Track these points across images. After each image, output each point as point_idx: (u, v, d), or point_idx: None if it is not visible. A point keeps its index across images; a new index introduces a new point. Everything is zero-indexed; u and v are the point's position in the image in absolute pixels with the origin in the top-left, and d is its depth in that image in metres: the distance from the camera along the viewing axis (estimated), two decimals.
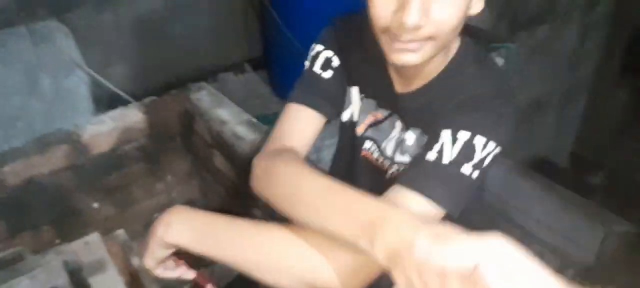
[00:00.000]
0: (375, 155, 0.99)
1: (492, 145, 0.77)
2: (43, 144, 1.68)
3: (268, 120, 2.44)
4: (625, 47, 4.39)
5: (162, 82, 2.74)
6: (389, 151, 0.96)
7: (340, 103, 1.02)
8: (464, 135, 0.77)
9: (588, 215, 1.71)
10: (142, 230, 1.57)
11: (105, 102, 2.59)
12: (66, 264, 1.19)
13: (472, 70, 0.85)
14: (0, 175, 1.62)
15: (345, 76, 1.00)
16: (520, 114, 3.89)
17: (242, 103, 2.51)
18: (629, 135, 4.42)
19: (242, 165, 1.67)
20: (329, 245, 0.72)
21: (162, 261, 0.88)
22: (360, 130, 1.01)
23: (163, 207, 1.94)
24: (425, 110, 0.86)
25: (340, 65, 0.98)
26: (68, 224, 1.74)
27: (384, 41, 0.78)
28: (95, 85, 2.74)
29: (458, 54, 0.87)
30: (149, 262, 0.88)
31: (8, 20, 2.51)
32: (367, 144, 1.00)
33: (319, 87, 0.97)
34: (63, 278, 1.15)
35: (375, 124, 0.98)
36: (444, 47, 0.82)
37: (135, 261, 1.35)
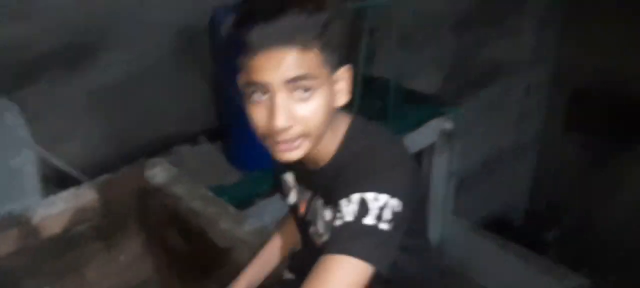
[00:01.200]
0: (315, 237, 1.15)
1: (382, 197, 0.88)
2: None
3: (224, 192, 2.53)
4: (568, 106, 4.76)
5: (115, 155, 2.80)
6: (321, 229, 1.11)
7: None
8: (356, 197, 0.89)
9: (543, 271, 1.86)
10: None
11: (55, 180, 2.63)
12: None
13: (361, 142, 1.00)
14: None
15: (280, 171, 1.20)
16: (471, 175, 4.13)
17: (198, 174, 2.60)
18: (578, 190, 4.71)
19: (198, 241, 1.74)
20: None
21: None
22: (301, 210, 1.17)
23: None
24: (332, 187, 0.99)
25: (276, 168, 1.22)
26: None
27: (268, 145, 0.94)
28: (45, 164, 2.77)
29: (348, 131, 1.02)
30: None
31: None
32: (311, 228, 1.15)
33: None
34: None
35: (308, 206, 1.14)
36: (320, 138, 0.96)
37: None
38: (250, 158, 3.08)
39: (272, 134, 0.90)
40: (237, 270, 1.48)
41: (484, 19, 4.13)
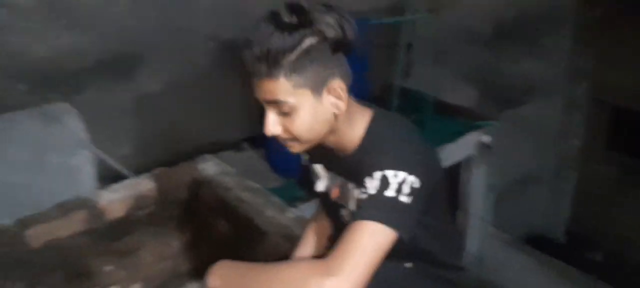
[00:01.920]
0: (347, 218, 1.30)
1: (401, 173, 1.05)
2: (64, 209, 1.95)
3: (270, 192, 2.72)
4: (608, 125, 4.76)
5: (164, 160, 3.03)
6: (353, 208, 1.26)
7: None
8: (378, 174, 1.06)
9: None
10: None
11: (110, 180, 2.88)
12: None
13: (382, 130, 1.17)
14: (25, 238, 1.87)
15: (311, 161, 1.38)
16: (510, 190, 4.19)
17: None
18: (620, 211, 4.67)
19: (245, 227, 1.94)
20: (314, 277, 1.00)
21: None
22: (333, 195, 1.33)
23: (171, 272, 2.19)
24: (358, 170, 1.13)
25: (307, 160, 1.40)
26: (82, 286, 1.96)
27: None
28: (101, 164, 3.04)
29: (370, 122, 1.18)
30: None
31: (21, 102, 2.85)
32: (343, 210, 1.31)
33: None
34: None
35: (341, 190, 1.30)
36: (317, 138, 1.14)
37: None
38: (290, 166, 3.31)
39: None
40: (280, 253, 1.66)
41: (519, 36, 4.24)
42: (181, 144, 3.27)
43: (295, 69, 1.04)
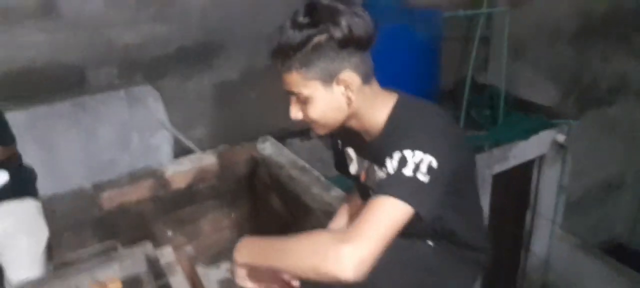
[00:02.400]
0: None
1: (419, 153, 1.09)
2: (134, 176, 2.18)
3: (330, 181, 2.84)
4: None
5: (235, 142, 3.22)
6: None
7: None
8: (396, 154, 1.11)
9: None
10: (207, 260, 1.93)
11: None
12: (146, 257, 1.61)
13: (405, 115, 1.23)
14: (98, 200, 2.12)
15: (344, 145, 1.46)
16: (587, 193, 3.98)
17: None
18: None
19: (294, 203, 2.06)
20: (331, 244, 1.06)
21: (246, 278, 1.27)
22: (362, 178, 1.41)
23: (227, 241, 2.36)
24: (381, 152, 1.21)
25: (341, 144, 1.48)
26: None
27: None
28: (177, 144, 3.30)
29: (394, 107, 1.24)
30: (237, 279, 1.28)
31: (111, 85, 3.18)
32: (371, 191, 1.36)
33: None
34: (144, 268, 1.57)
35: (367, 174, 1.38)
36: (335, 124, 1.23)
37: (200, 271, 1.74)
38: None
39: None
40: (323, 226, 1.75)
41: (608, 33, 4.00)
42: (252, 130, 3.45)
43: (304, 63, 1.14)
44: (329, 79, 1.17)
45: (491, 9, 3.96)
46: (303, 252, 1.12)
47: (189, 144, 3.36)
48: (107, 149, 3.11)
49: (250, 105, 3.65)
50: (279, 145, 2.36)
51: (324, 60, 1.14)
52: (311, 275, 1.09)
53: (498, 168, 3.50)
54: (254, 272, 1.28)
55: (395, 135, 1.18)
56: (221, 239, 2.35)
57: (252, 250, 1.23)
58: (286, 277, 1.35)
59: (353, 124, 1.26)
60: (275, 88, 3.68)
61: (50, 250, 1.90)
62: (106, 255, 1.61)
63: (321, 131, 1.26)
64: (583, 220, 3.90)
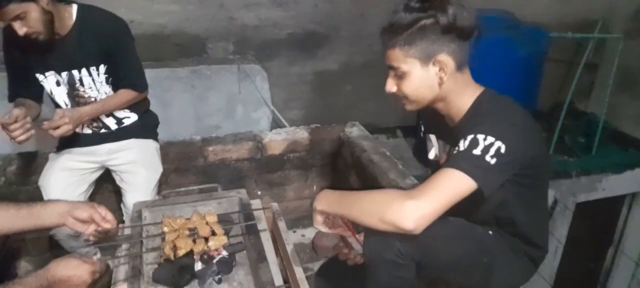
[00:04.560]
0: None
1: (490, 138, 1.24)
2: (237, 138, 2.54)
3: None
4: None
5: None
6: None
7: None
8: (470, 136, 1.27)
9: None
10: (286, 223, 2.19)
11: None
12: (240, 200, 1.92)
13: (486, 106, 1.39)
14: (205, 152, 2.50)
15: (427, 131, 1.66)
16: None
17: None
18: None
19: (371, 185, 2.29)
20: (397, 197, 1.26)
21: (322, 224, 1.52)
22: (442, 162, 1.58)
23: (305, 210, 2.65)
24: (460, 136, 1.32)
25: (423, 130, 1.68)
26: None
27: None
28: (274, 122, 3.65)
29: (478, 99, 1.40)
30: (315, 224, 1.53)
31: (226, 59, 3.58)
32: None
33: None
34: (237, 207, 1.89)
35: (448, 157, 1.53)
36: (424, 102, 1.40)
37: (281, 224, 2.03)
38: None
39: None
40: None
41: None
42: (342, 119, 3.70)
43: (408, 41, 1.32)
44: (427, 59, 1.34)
45: (603, 34, 3.90)
46: (372, 202, 1.32)
47: (285, 123, 3.70)
48: (214, 115, 3.52)
49: (345, 96, 3.93)
50: (365, 131, 2.62)
51: (426, 41, 1.31)
52: (375, 222, 1.28)
53: (583, 197, 3.48)
54: (329, 220, 1.54)
55: (473, 121, 1.34)
56: (301, 207, 2.66)
57: (329, 199, 1.46)
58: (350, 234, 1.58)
59: (440, 106, 1.44)
60: (369, 84, 3.92)
61: (160, 185, 2.30)
62: (207, 193, 1.94)
63: (410, 107, 1.43)
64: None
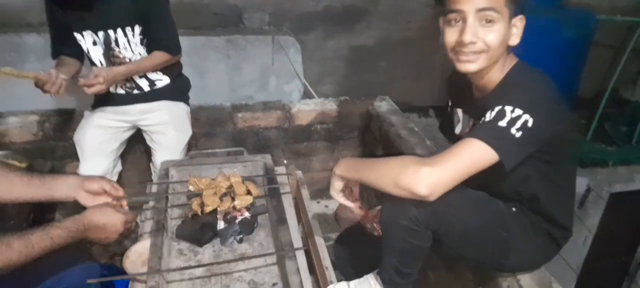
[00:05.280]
0: None
1: (518, 110, 1.22)
2: (266, 106, 2.58)
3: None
4: None
5: None
6: None
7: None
8: (497, 107, 1.25)
9: None
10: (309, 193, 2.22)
11: None
12: (264, 165, 1.96)
13: (519, 78, 1.36)
14: (235, 119, 2.55)
15: (454, 105, 1.63)
16: None
17: None
18: None
19: None
20: (413, 163, 1.26)
21: (339, 191, 1.53)
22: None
23: (329, 182, 2.66)
24: (487, 108, 1.30)
25: (451, 105, 1.65)
26: None
27: (452, 57, 1.36)
28: (306, 95, 3.67)
29: (511, 70, 1.38)
30: (332, 191, 1.55)
31: (262, 30, 3.61)
32: None
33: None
34: (261, 171, 1.93)
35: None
36: (492, 60, 1.32)
37: (304, 192, 2.06)
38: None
39: (459, 47, 1.31)
40: None
41: None
42: (375, 96, 3.71)
43: None
44: (513, 15, 1.31)
45: None
46: (388, 167, 1.32)
47: (315, 96, 3.71)
48: (247, 85, 3.56)
49: (379, 72, 3.90)
50: (395, 105, 2.61)
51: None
52: (391, 187, 1.29)
53: (619, 187, 3.38)
54: (347, 190, 1.56)
55: (502, 92, 1.32)
56: (325, 178, 2.68)
57: (349, 166, 1.48)
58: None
59: (482, 75, 1.39)
60: (405, 61, 3.87)
61: (190, 147, 2.36)
62: (233, 156, 1.99)
63: (480, 64, 1.33)
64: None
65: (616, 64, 3.77)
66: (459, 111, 1.61)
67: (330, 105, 2.66)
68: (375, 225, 1.62)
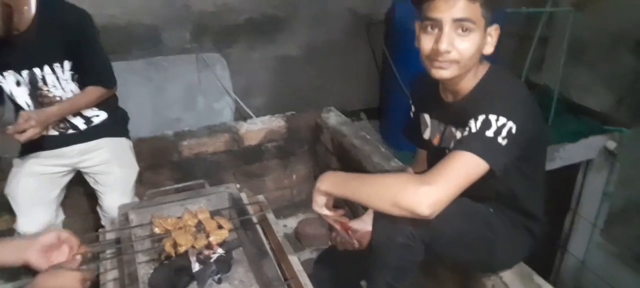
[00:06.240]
0: None
1: (502, 119, 1.25)
2: (211, 130, 2.47)
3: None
4: None
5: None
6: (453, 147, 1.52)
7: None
8: (481, 117, 1.27)
9: None
10: None
11: None
12: (230, 196, 1.88)
13: (494, 83, 1.40)
14: (179, 147, 2.42)
15: (419, 110, 1.64)
16: (634, 204, 4.06)
17: None
18: None
19: (354, 170, 2.29)
20: (411, 182, 1.25)
21: (323, 206, 1.47)
22: (436, 142, 1.59)
23: (286, 200, 2.63)
24: (464, 114, 1.34)
25: (415, 110, 1.65)
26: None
27: (427, 63, 1.38)
28: (237, 110, 3.58)
29: (486, 75, 1.40)
30: (315, 206, 1.48)
31: (183, 48, 3.46)
32: (446, 152, 1.48)
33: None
34: (227, 203, 1.84)
35: (442, 136, 1.56)
36: (465, 69, 1.34)
37: (270, 216, 2.00)
38: (401, 138, 3.58)
39: (434, 55, 1.33)
40: None
41: None
42: (308, 104, 3.69)
43: (489, 2, 1.30)
44: (489, 25, 1.33)
45: (555, 8, 4.06)
46: (384, 186, 1.30)
47: (249, 111, 3.64)
48: (174, 107, 3.41)
49: (309, 80, 3.90)
50: (342, 116, 2.61)
51: (496, 7, 1.31)
52: (387, 207, 1.27)
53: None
54: (330, 204, 1.51)
55: (483, 99, 1.33)
56: (282, 197, 2.63)
57: (334, 181, 1.42)
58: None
59: (455, 80, 1.39)
60: (332, 68, 3.88)
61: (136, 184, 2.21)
62: (194, 190, 1.88)
63: (451, 72, 1.35)
64: (625, 230, 4.00)
65: (521, 52, 4.06)
66: (426, 116, 1.63)
67: (278, 122, 2.61)
68: (350, 233, 1.59)
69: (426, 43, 1.35)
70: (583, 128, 3.89)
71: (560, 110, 3.96)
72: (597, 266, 3.88)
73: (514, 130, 1.26)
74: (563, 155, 3.72)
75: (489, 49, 1.37)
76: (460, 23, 1.29)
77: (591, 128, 3.89)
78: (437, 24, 1.31)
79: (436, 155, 1.52)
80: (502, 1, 1.35)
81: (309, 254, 2.37)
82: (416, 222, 1.31)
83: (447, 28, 1.29)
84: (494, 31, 1.36)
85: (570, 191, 4.05)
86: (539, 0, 4.11)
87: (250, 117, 3.55)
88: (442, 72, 1.35)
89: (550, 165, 3.68)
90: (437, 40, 1.31)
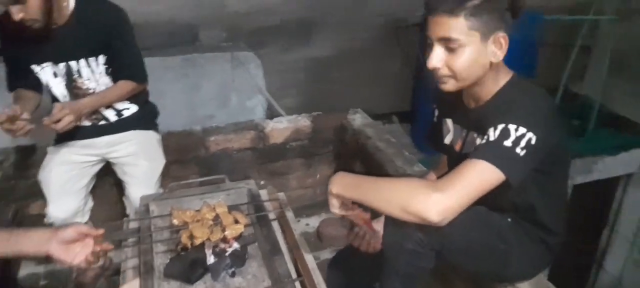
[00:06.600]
0: None
1: (522, 129, 1.22)
2: (238, 127, 2.52)
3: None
4: None
5: None
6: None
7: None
8: (501, 126, 1.24)
9: None
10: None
11: None
12: (249, 191, 1.91)
13: (515, 92, 1.36)
14: (206, 143, 2.48)
15: (442, 115, 1.62)
16: None
17: None
18: None
19: (377, 172, 2.29)
20: (422, 188, 1.23)
21: (338, 207, 1.46)
22: (457, 148, 1.57)
23: (308, 199, 2.65)
24: (484, 121, 1.32)
25: (438, 114, 1.64)
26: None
27: (433, 77, 1.37)
28: (269, 109, 3.62)
29: (507, 84, 1.38)
30: (332, 208, 1.47)
31: (218, 47, 3.54)
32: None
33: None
34: (246, 199, 1.87)
35: (464, 142, 1.53)
36: (468, 81, 1.33)
37: (289, 214, 2.02)
38: None
39: (431, 71, 1.34)
40: None
41: None
42: (338, 106, 3.70)
43: (475, 13, 1.25)
44: (488, 34, 1.27)
45: (598, 16, 3.94)
46: (395, 190, 1.29)
47: (280, 110, 3.68)
48: (207, 104, 3.48)
49: (340, 83, 3.92)
50: (368, 117, 2.62)
51: (492, 15, 1.25)
52: (397, 212, 1.26)
53: (580, 179, 3.53)
54: (345, 204, 1.52)
55: (503, 108, 1.30)
56: (304, 196, 2.65)
57: (346, 183, 1.41)
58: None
59: (472, 88, 1.38)
60: (364, 70, 3.90)
61: (162, 177, 2.27)
62: (215, 185, 1.92)
63: (451, 86, 1.35)
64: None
65: (563, 61, 3.95)
66: (449, 121, 1.60)
67: (304, 122, 2.64)
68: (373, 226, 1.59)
69: (427, 58, 1.35)
70: (624, 141, 3.76)
71: (600, 122, 3.84)
72: (635, 285, 3.74)
73: (533, 141, 1.23)
74: (601, 168, 3.61)
75: (495, 58, 1.32)
76: (445, 42, 1.29)
77: (633, 141, 3.74)
78: (430, 41, 1.32)
79: (457, 161, 1.46)
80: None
81: (329, 254, 2.38)
82: (426, 229, 1.30)
83: (436, 46, 1.30)
84: (501, 39, 1.30)
85: (608, 206, 3.91)
86: (582, 8, 3.98)
87: (281, 116, 3.61)
88: (444, 86, 1.36)
89: (587, 178, 3.58)
90: (429, 57, 1.32)
